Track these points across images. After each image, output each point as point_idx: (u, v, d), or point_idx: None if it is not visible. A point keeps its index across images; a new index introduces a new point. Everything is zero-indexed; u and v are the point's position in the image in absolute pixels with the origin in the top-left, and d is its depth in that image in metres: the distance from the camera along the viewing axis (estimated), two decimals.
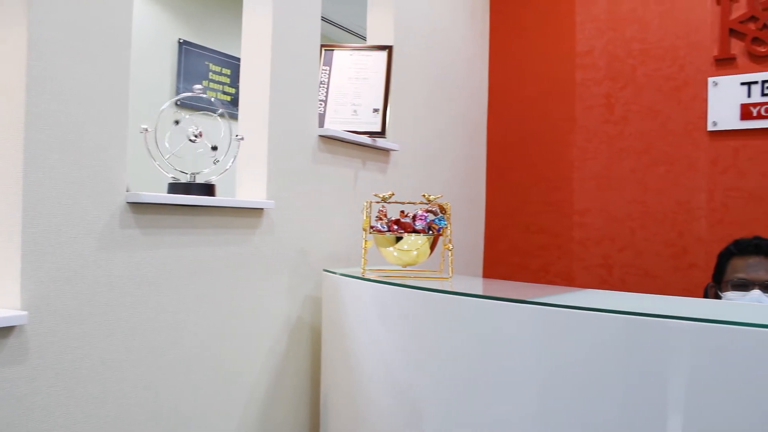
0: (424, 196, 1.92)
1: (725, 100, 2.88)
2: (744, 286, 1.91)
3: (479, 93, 3.50)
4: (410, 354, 1.67)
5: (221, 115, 1.88)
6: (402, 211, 1.93)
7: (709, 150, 2.93)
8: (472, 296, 1.52)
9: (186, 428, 1.78)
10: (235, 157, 1.93)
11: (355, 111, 2.40)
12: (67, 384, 1.48)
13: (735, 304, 1.77)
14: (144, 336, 1.65)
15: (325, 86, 2.42)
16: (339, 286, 1.96)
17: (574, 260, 3.26)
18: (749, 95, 2.82)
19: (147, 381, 1.66)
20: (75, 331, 1.49)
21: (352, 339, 1.88)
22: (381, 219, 1.91)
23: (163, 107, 1.83)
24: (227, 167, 1.89)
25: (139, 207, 1.63)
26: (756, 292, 1.86)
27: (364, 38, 5.09)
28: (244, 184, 2.07)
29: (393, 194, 1.96)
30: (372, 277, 1.84)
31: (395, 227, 1.89)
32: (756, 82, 2.81)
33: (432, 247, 1.91)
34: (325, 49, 2.45)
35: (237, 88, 4.02)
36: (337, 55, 2.46)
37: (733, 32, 2.88)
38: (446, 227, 1.89)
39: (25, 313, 1.38)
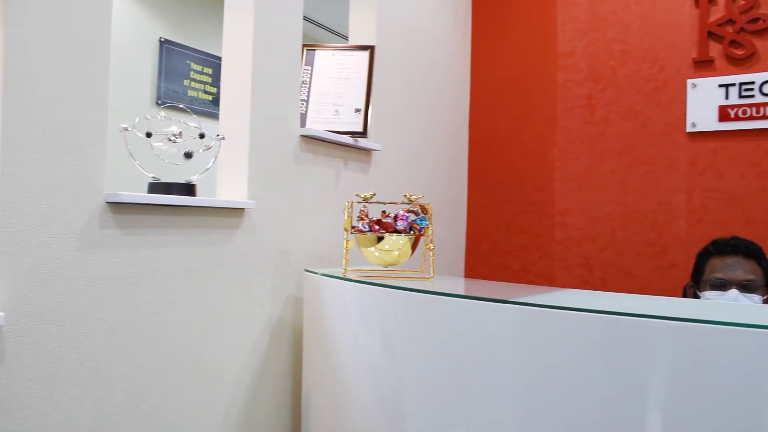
0: (405, 196, 1.92)
1: (704, 102, 2.91)
2: (722, 285, 1.93)
3: (461, 93, 3.50)
4: (392, 354, 1.67)
5: (201, 133, 1.87)
6: (383, 211, 1.93)
7: (688, 151, 2.96)
8: (454, 296, 1.52)
9: (166, 429, 1.77)
10: (215, 157, 1.92)
11: (336, 111, 2.40)
12: (45, 386, 1.46)
13: (713, 303, 1.79)
14: (123, 337, 1.64)
15: (307, 86, 2.41)
16: (320, 286, 1.96)
17: (555, 260, 3.28)
18: (727, 97, 2.85)
19: (127, 382, 1.65)
20: (53, 332, 1.47)
21: (334, 339, 1.87)
22: (362, 219, 1.91)
23: (149, 116, 1.81)
24: (208, 167, 1.88)
25: (118, 207, 1.62)
26: (733, 292, 1.88)
27: (346, 38, 5.09)
28: (225, 183, 2.06)
29: (374, 194, 1.95)
30: (353, 277, 1.84)
31: (376, 227, 1.89)
32: (733, 85, 2.84)
33: (413, 247, 1.91)
34: (307, 49, 2.44)
35: (218, 87, 4.00)
36: (319, 54, 2.45)
37: (711, 35, 2.91)
38: (427, 227, 1.90)
39: (1, 314, 1.36)
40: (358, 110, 2.40)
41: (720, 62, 2.90)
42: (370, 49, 2.46)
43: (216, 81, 4.57)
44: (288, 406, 2.21)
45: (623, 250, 3.09)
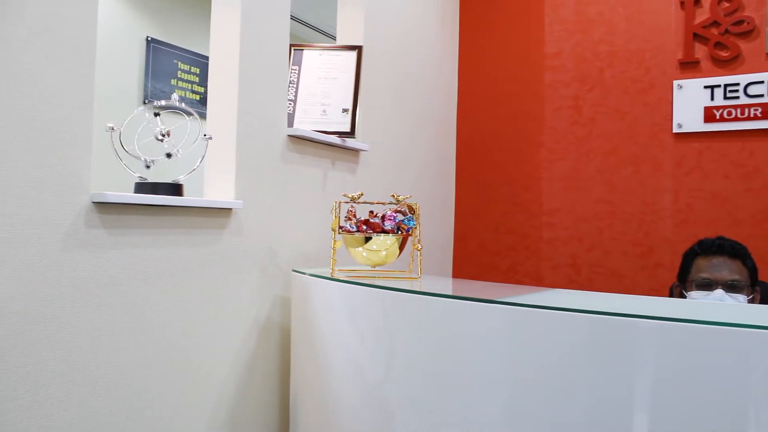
0: (393, 196, 1.92)
1: (689, 103, 2.93)
2: (708, 285, 1.94)
3: (449, 94, 3.51)
4: (380, 354, 1.67)
5: (194, 119, 1.86)
6: (371, 212, 1.93)
7: (674, 152, 2.98)
8: (441, 296, 1.52)
9: (153, 430, 1.76)
10: (203, 157, 1.91)
11: (324, 111, 2.39)
12: (30, 387, 1.45)
13: (699, 303, 1.80)
14: (110, 337, 1.63)
15: (295, 86, 2.41)
16: (308, 287, 1.95)
17: (543, 260, 3.29)
18: (712, 98, 2.87)
19: (113, 383, 1.64)
20: (38, 332, 1.46)
21: (322, 339, 1.87)
22: (350, 219, 1.91)
23: (137, 111, 1.80)
24: (195, 167, 1.87)
25: (104, 207, 1.61)
26: (719, 292, 1.89)
27: (333, 38, 5.08)
28: (212, 183, 2.05)
29: (362, 194, 1.95)
30: (341, 277, 1.84)
31: (364, 227, 1.89)
32: (719, 86, 2.86)
33: (401, 247, 1.92)
34: (295, 49, 2.44)
35: (206, 87, 3.99)
36: (307, 54, 2.45)
37: (696, 37, 2.93)
38: (415, 227, 1.90)
39: None
40: (345, 110, 2.40)
41: (705, 64, 2.92)
42: (358, 49, 2.46)
43: (203, 80, 4.55)
44: (276, 406, 2.21)
45: (610, 250, 3.10)
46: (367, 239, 1.88)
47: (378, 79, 2.79)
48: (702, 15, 2.93)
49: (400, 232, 1.89)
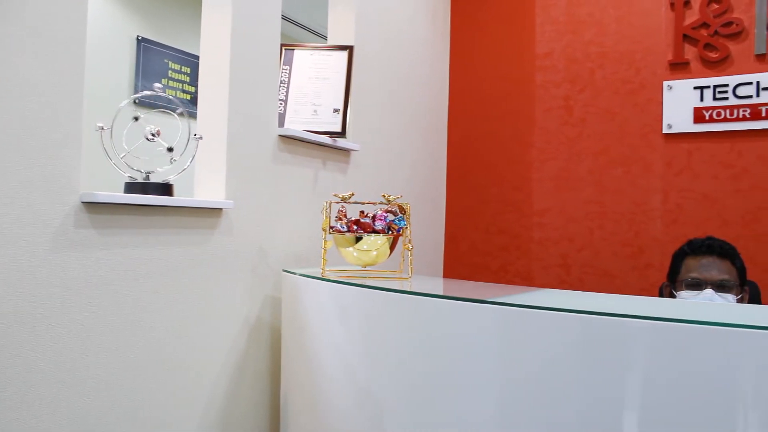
0: (383, 196, 1.92)
1: (679, 104, 2.94)
2: (697, 285, 1.95)
3: (440, 94, 3.51)
4: (370, 354, 1.67)
5: (180, 114, 1.86)
6: (362, 212, 1.93)
7: (664, 152, 2.99)
8: (432, 296, 1.52)
9: (144, 431, 1.76)
10: (193, 157, 1.90)
11: (315, 111, 2.39)
12: (19, 388, 1.44)
13: (688, 303, 1.81)
14: (99, 337, 1.62)
15: (285, 86, 2.40)
16: (299, 287, 1.95)
17: (533, 260, 3.30)
18: (702, 99, 2.89)
19: (103, 384, 1.63)
20: (27, 333, 1.46)
21: (312, 339, 1.87)
22: (341, 219, 1.91)
23: (121, 105, 1.79)
24: (185, 167, 1.87)
25: (94, 207, 1.60)
26: (708, 292, 1.90)
27: (325, 37, 5.08)
28: (202, 183, 2.05)
29: (353, 194, 1.95)
30: (332, 277, 1.84)
31: (355, 227, 1.89)
32: (708, 87, 2.88)
33: (392, 247, 1.92)
34: (286, 49, 2.43)
35: (197, 86, 3.97)
36: (298, 54, 2.45)
37: (686, 38, 2.95)
38: (406, 227, 1.90)
39: None
40: (336, 110, 2.40)
41: (695, 65, 2.93)
42: (349, 49, 2.46)
43: (194, 80, 4.54)
44: (266, 406, 2.20)
45: (600, 250, 3.11)
46: (358, 239, 1.88)
47: (369, 79, 2.79)
48: (691, 16, 2.94)
49: (390, 232, 1.89)
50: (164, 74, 4.37)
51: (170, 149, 1.81)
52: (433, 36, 3.42)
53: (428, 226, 3.39)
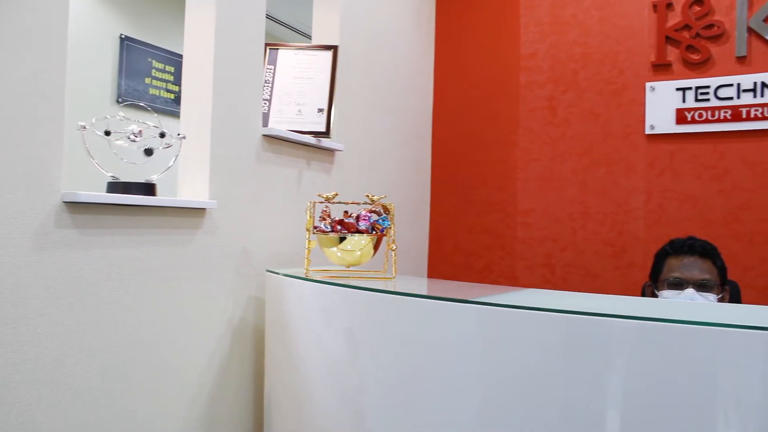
0: (367, 196, 1.92)
1: (662, 105, 2.96)
2: (679, 285, 1.96)
3: (425, 94, 3.52)
4: (354, 354, 1.66)
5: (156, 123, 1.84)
6: (345, 212, 1.93)
7: (646, 153, 3.01)
8: (416, 296, 1.53)
9: None
10: (176, 156, 1.89)
11: (299, 111, 2.39)
12: None
13: (670, 302, 1.83)
14: (81, 338, 1.61)
15: (270, 85, 2.39)
16: (282, 287, 1.95)
17: (518, 260, 3.31)
18: (684, 100, 2.91)
19: (85, 385, 1.62)
20: (7, 335, 1.44)
21: (296, 339, 1.86)
22: (325, 219, 1.91)
23: (108, 117, 1.78)
24: (169, 166, 1.86)
25: (75, 206, 1.59)
26: (690, 291, 1.91)
27: (309, 37, 5.07)
28: (186, 183, 2.04)
29: (336, 194, 1.95)
30: (315, 277, 1.83)
31: (339, 227, 1.88)
32: (690, 88, 2.90)
33: (375, 247, 1.92)
34: (270, 48, 2.43)
35: (181, 85, 3.95)
36: (282, 54, 2.44)
37: (668, 39, 2.97)
38: (390, 227, 1.90)
39: None
40: (321, 110, 2.39)
41: (677, 66, 2.95)
42: (334, 49, 2.46)
43: (178, 79, 4.51)
44: (250, 407, 2.20)
45: (584, 250, 3.13)
46: (342, 239, 1.88)
47: (354, 79, 2.79)
48: (674, 18, 2.96)
49: (374, 232, 1.89)
50: (148, 73, 4.34)
51: (148, 152, 1.79)
52: (418, 36, 3.42)
53: (413, 226, 3.39)
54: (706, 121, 2.86)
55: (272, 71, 2.41)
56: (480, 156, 3.44)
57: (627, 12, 3.08)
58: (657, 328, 1.18)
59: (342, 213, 1.93)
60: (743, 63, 2.81)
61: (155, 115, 1.88)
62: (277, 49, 2.44)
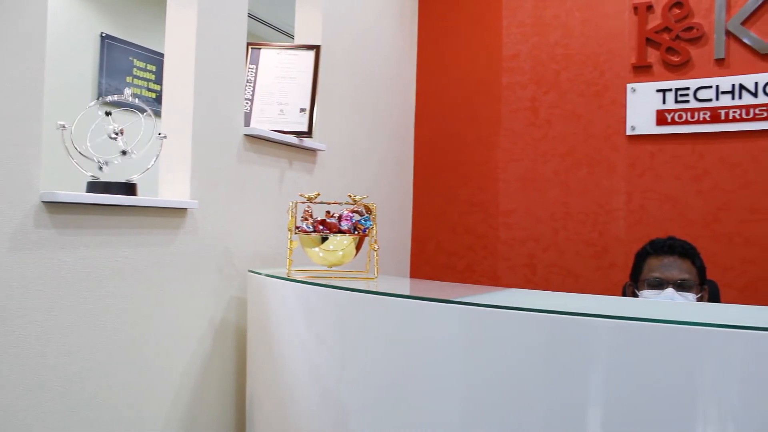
0: (349, 196, 1.92)
1: (642, 106, 2.99)
2: (659, 284, 1.98)
3: (407, 94, 3.52)
4: (336, 354, 1.66)
5: (148, 116, 1.83)
6: (328, 212, 1.92)
7: (627, 153, 3.03)
8: (398, 296, 1.53)
9: None
10: (157, 156, 1.88)
11: (281, 110, 2.38)
12: None
13: (650, 302, 1.84)
14: (61, 340, 1.59)
15: (252, 85, 2.39)
16: (264, 287, 1.94)
17: (500, 260, 3.32)
18: (664, 102, 2.94)
19: (64, 387, 1.61)
20: None
21: (278, 340, 1.86)
22: (307, 219, 1.90)
23: (90, 105, 1.76)
24: (149, 166, 1.84)
25: (55, 206, 1.57)
26: (669, 291, 1.93)
27: (292, 36, 5.05)
28: (167, 183, 2.02)
29: (318, 194, 1.95)
30: (297, 277, 1.83)
31: (321, 227, 1.88)
32: (670, 90, 2.93)
33: (358, 247, 1.92)
34: (252, 47, 2.42)
35: (162, 84, 3.92)
36: (264, 53, 2.43)
37: (649, 41, 2.99)
38: (372, 227, 1.90)
39: None
40: (303, 110, 2.39)
41: (657, 68, 2.98)
42: (316, 48, 2.45)
43: (160, 78, 4.47)
44: (232, 408, 2.19)
45: (566, 250, 3.15)
46: (324, 239, 1.88)
47: (336, 79, 2.78)
48: (654, 20, 2.99)
49: (356, 232, 1.89)
50: (129, 72, 4.30)
51: (124, 152, 1.77)
52: (401, 36, 3.42)
53: (395, 227, 3.39)
54: (686, 122, 2.89)
55: (254, 71, 2.40)
56: (462, 156, 3.45)
57: (608, 14, 3.10)
58: (637, 327, 1.19)
59: (324, 213, 1.92)
60: (722, 65, 2.84)
61: (139, 114, 1.86)
62: (260, 48, 2.44)
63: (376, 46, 3.16)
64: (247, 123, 2.32)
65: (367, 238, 1.92)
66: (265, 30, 5.36)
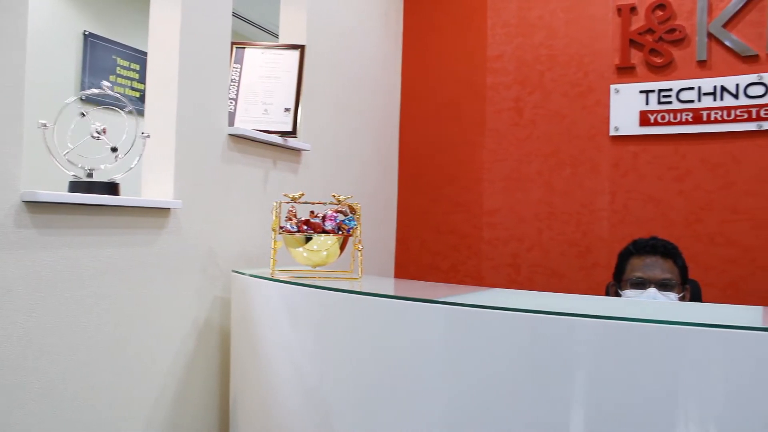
0: (333, 196, 1.92)
1: (626, 107, 3.01)
2: (641, 284, 1.99)
3: (392, 94, 3.52)
4: (320, 355, 1.66)
5: (129, 112, 1.82)
6: (312, 212, 1.92)
7: (611, 154, 3.05)
8: (381, 296, 1.53)
9: None
10: (140, 155, 1.87)
11: (266, 110, 2.37)
12: None
13: (632, 301, 1.85)
14: (41, 341, 1.58)
15: (236, 84, 2.38)
16: (248, 287, 1.93)
17: (484, 260, 3.33)
18: (647, 103, 2.96)
19: (45, 388, 1.59)
20: None
21: (262, 340, 1.85)
22: (291, 219, 1.90)
23: (67, 101, 1.74)
24: (132, 165, 1.83)
25: (35, 206, 1.56)
26: (652, 290, 1.94)
27: (276, 35, 5.04)
28: (150, 183, 2.01)
29: (303, 194, 1.95)
30: (281, 277, 1.82)
31: (305, 227, 1.88)
32: (653, 91, 2.95)
33: (342, 247, 1.91)
34: (236, 47, 2.41)
35: (146, 84, 3.89)
36: (249, 53, 2.42)
37: (632, 43, 3.01)
38: (356, 228, 1.90)
39: None
40: (287, 110, 2.38)
41: (641, 69, 3.00)
42: (301, 48, 2.45)
43: (144, 77, 4.44)
44: (215, 408, 2.18)
45: (549, 250, 3.16)
46: (308, 239, 1.87)
47: (321, 79, 2.78)
48: (637, 22, 3.01)
49: (340, 232, 1.88)
50: (112, 71, 4.27)
51: (114, 149, 1.76)
52: (386, 37, 3.42)
53: (379, 227, 3.39)
54: (669, 123, 2.91)
55: (239, 70, 2.39)
56: (447, 156, 3.45)
57: (592, 15, 3.11)
58: (619, 327, 1.20)
59: (308, 213, 1.92)
60: (704, 67, 2.87)
61: (121, 112, 1.85)
62: (244, 47, 2.43)
63: (361, 46, 3.16)
64: (231, 123, 2.31)
65: (351, 238, 1.92)
66: (250, 29, 5.34)
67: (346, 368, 1.59)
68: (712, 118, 2.83)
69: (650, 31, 2.98)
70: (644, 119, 2.96)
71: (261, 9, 4.90)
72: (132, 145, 1.82)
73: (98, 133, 1.76)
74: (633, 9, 3.01)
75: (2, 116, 1.47)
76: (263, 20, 5.21)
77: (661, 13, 2.95)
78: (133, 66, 4.44)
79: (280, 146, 2.45)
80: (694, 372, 1.14)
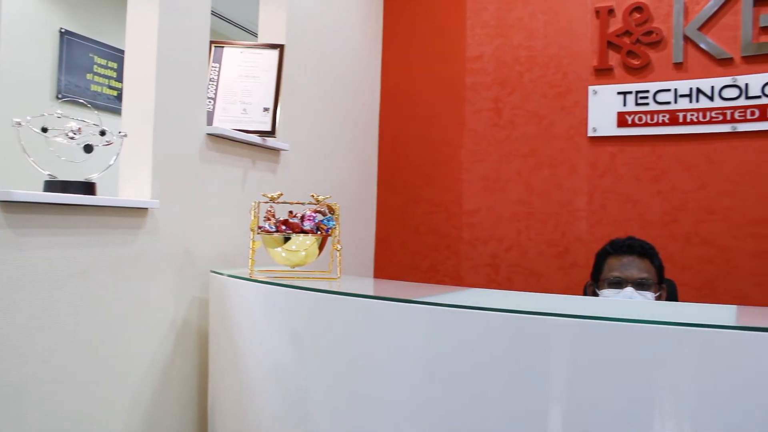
0: (312, 196, 1.91)
1: (604, 108, 3.03)
2: (618, 284, 2.01)
3: (371, 94, 3.52)
4: (299, 355, 1.65)
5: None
6: (290, 212, 1.92)
7: (589, 155, 3.08)
8: (360, 296, 1.53)
9: None
10: (117, 155, 1.85)
11: (244, 110, 2.36)
12: None
13: (609, 300, 1.87)
14: (15, 342, 1.56)
15: (215, 84, 2.36)
16: (226, 288, 1.92)
17: (463, 260, 3.34)
18: (625, 104, 2.99)
19: (18, 392, 1.57)
20: None
21: (241, 341, 1.84)
22: (269, 219, 1.89)
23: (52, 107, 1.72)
24: (110, 164, 1.81)
25: (10, 206, 1.54)
26: (629, 290, 1.96)
27: (255, 34, 5.02)
28: (127, 182, 1.99)
29: (281, 194, 1.94)
30: (260, 278, 1.82)
31: (283, 227, 1.87)
32: (631, 92, 2.98)
33: (320, 247, 1.91)
34: (215, 46, 2.39)
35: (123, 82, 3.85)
36: (228, 52, 2.41)
37: (610, 45, 3.04)
38: (335, 228, 1.90)
39: None
40: (266, 109, 2.37)
41: (618, 71, 3.03)
42: (280, 48, 2.44)
43: (122, 76, 4.39)
44: (193, 410, 2.16)
45: (528, 250, 3.18)
46: (287, 239, 1.87)
47: (300, 79, 2.77)
48: (615, 24, 3.04)
49: (319, 233, 1.88)
50: (89, 69, 4.23)
51: (88, 148, 1.74)
52: (365, 37, 3.42)
53: (358, 227, 3.39)
54: (646, 124, 2.94)
55: (217, 69, 2.38)
56: (426, 156, 3.46)
57: (571, 17, 3.14)
58: (596, 326, 1.21)
59: (287, 213, 1.92)
60: (680, 69, 2.90)
61: (96, 112, 1.83)
62: (223, 47, 2.42)
63: (341, 46, 3.16)
64: (209, 122, 2.29)
65: (330, 238, 1.91)
66: (229, 28, 5.32)
67: (324, 368, 1.59)
68: (688, 120, 2.86)
69: (627, 33, 3.00)
70: (622, 120, 2.99)
71: (240, 8, 4.88)
72: (102, 143, 1.80)
73: (73, 132, 1.74)
74: (611, 11, 3.03)
75: None
76: (242, 19, 5.19)
77: (638, 15, 2.98)
78: (110, 64, 4.39)
79: (258, 146, 2.44)
80: (670, 370, 1.15)
